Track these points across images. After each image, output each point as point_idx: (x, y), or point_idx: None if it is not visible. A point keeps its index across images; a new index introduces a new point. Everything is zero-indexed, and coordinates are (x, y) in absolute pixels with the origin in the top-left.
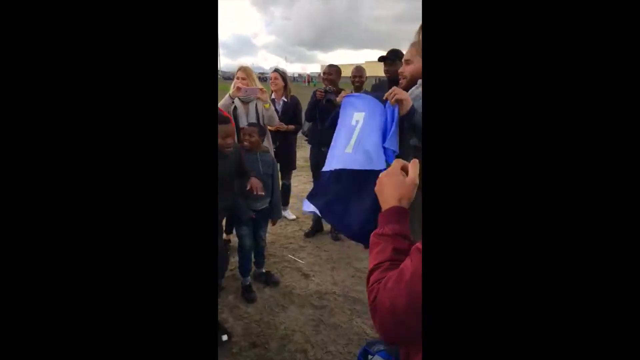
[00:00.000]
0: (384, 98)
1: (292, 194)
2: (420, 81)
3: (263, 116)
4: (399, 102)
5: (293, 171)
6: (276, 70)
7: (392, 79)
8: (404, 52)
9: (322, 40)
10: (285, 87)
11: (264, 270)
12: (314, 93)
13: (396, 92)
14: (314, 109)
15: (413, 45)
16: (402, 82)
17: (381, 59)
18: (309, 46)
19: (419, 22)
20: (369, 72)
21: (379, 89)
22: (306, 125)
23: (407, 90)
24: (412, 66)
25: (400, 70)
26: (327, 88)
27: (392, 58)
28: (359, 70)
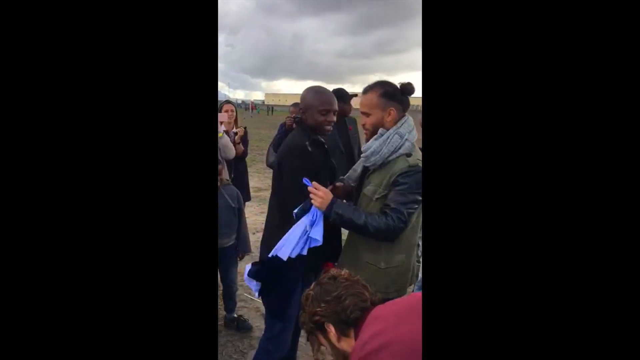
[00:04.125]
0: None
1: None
2: (380, 130)
3: (219, 148)
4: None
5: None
6: (229, 102)
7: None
8: (347, 89)
9: (266, 69)
10: (236, 118)
11: (235, 315)
12: (282, 124)
13: (315, 201)
14: (282, 138)
15: (367, 96)
16: (366, 133)
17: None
18: (252, 74)
19: (359, 58)
20: None
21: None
22: (272, 156)
23: (368, 140)
24: (373, 117)
25: (362, 123)
26: (295, 116)
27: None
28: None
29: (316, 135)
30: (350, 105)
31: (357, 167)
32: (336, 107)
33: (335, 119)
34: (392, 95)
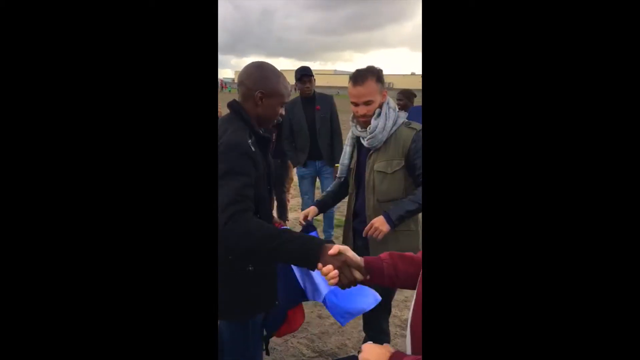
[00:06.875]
0: (363, 235)
1: None
2: (377, 110)
3: None
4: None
5: None
6: None
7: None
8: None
9: (235, 45)
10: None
11: None
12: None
13: (380, 234)
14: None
15: (367, 85)
16: (365, 120)
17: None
18: (221, 50)
19: (330, 35)
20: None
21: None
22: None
23: (367, 127)
24: (375, 103)
25: (363, 112)
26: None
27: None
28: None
29: (260, 129)
30: (306, 83)
31: (345, 159)
32: None
33: None
34: (381, 77)
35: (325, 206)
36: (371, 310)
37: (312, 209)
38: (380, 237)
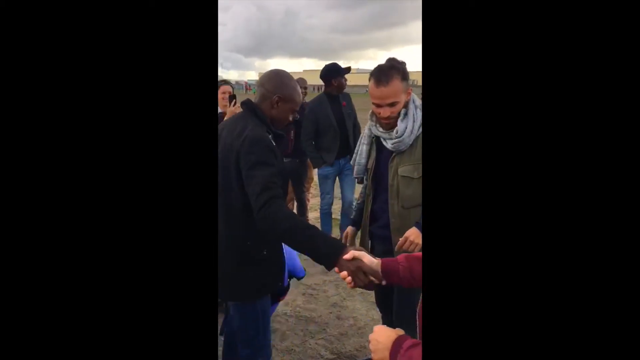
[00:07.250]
0: (396, 250)
1: None
2: (403, 110)
3: None
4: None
5: None
6: (227, 83)
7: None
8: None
9: (259, 47)
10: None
11: None
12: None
13: (418, 246)
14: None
15: (392, 85)
16: (388, 122)
17: (347, 69)
18: (245, 53)
19: (352, 33)
20: (307, 82)
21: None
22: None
23: (393, 129)
24: (399, 105)
25: (387, 115)
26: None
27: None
28: (302, 82)
29: (274, 128)
30: (345, 79)
31: (362, 158)
32: None
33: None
34: (406, 74)
35: (360, 223)
36: (397, 320)
37: (350, 230)
38: (417, 250)
